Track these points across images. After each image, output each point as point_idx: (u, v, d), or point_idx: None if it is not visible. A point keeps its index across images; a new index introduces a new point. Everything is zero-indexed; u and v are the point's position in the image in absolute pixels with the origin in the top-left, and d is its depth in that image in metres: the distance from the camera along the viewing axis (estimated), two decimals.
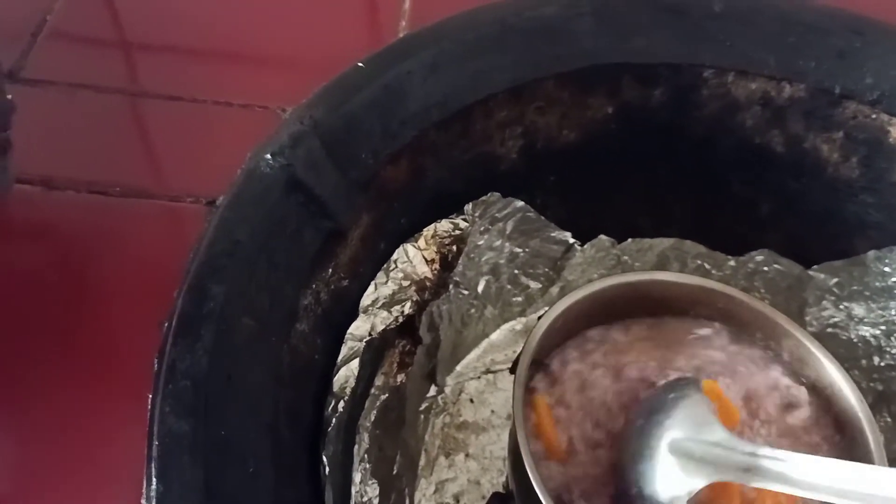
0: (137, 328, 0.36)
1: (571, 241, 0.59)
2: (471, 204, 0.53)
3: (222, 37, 0.73)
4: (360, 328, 0.47)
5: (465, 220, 0.53)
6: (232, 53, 0.71)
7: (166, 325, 0.36)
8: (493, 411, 0.59)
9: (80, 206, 0.57)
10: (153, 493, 0.31)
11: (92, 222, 0.57)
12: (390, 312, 0.49)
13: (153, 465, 0.31)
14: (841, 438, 0.43)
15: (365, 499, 0.44)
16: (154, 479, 0.31)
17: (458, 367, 0.61)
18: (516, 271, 0.60)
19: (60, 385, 0.52)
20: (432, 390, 0.59)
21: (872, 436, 0.41)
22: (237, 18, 0.74)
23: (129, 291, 0.54)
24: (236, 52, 0.71)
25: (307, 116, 0.43)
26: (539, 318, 0.45)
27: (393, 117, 0.45)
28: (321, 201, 0.42)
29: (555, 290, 0.61)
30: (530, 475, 0.38)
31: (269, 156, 0.41)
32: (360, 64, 0.46)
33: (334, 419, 0.44)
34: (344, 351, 0.46)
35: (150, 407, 0.33)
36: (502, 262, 0.59)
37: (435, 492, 0.55)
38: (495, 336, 0.62)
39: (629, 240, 0.59)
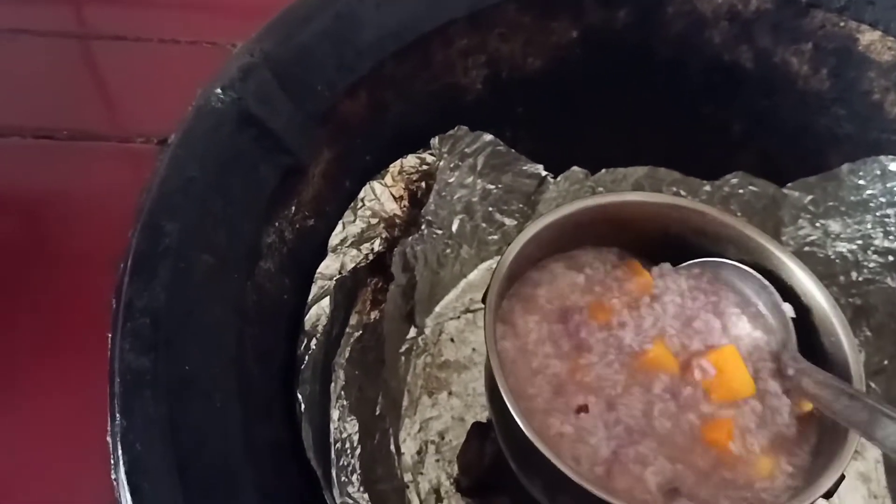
0: (94, 270, 0.35)
1: (544, 173, 0.58)
2: (437, 138, 0.51)
3: None
4: (329, 267, 0.46)
5: (432, 154, 0.51)
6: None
7: (122, 265, 0.35)
8: (474, 349, 0.59)
9: (27, 151, 0.56)
10: (117, 429, 0.30)
11: (40, 168, 0.56)
12: (360, 250, 0.48)
13: (115, 401, 0.31)
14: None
15: (344, 435, 0.44)
16: (118, 416, 0.30)
17: (437, 308, 0.60)
18: (490, 208, 0.59)
19: (27, 336, 0.51)
20: (412, 332, 0.58)
21: (848, 343, 0.41)
22: None
23: (84, 233, 0.53)
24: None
25: (257, 49, 0.41)
26: (508, 245, 0.44)
27: (347, 47, 0.44)
28: (276, 135, 0.40)
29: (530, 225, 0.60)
30: (504, 396, 0.38)
31: (218, 90, 0.40)
32: None
33: (307, 357, 0.43)
34: (314, 290, 0.45)
35: (109, 345, 0.32)
36: (475, 199, 0.58)
37: (419, 430, 0.55)
38: (473, 276, 0.62)
39: (603, 170, 0.59)
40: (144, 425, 0.31)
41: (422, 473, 0.53)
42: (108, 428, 0.31)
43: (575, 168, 0.58)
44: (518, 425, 0.38)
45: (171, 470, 0.30)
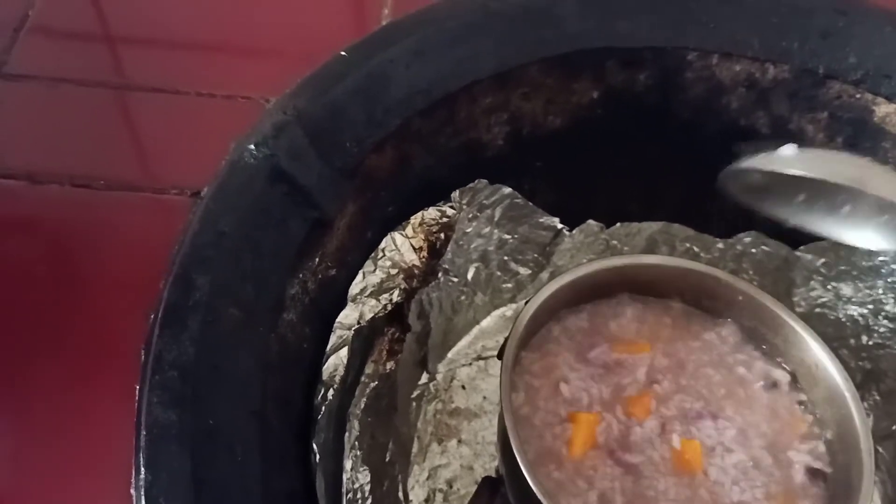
0: (125, 320, 0.36)
1: (560, 226, 0.59)
2: (458, 191, 0.53)
3: (205, 29, 0.73)
4: (348, 316, 0.47)
5: (452, 207, 0.53)
6: (215, 45, 0.71)
7: (152, 316, 0.36)
8: (484, 397, 0.59)
9: (65, 199, 0.57)
10: (142, 483, 0.31)
11: (77, 216, 0.57)
12: (379, 300, 0.49)
13: (141, 455, 0.31)
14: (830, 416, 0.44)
15: (356, 485, 0.45)
16: (142, 469, 0.31)
17: (450, 355, 0.61)
18: (506, 258, 0.60)
19: (51, 378, 0.52)
20: (424, 377, 0.59)
21: (857, 412, 0.41)
22: (220, 9, 0.74)
23: (116, 283, 0.54)
24: (219, 43, 0.71)
25: (290, 106, 0.43)
26: (526, 302, 0.45)
27: (377, 105, 0.45)
28: (306, 191, 0.42)
29: (545, 275, 0.61)
30: (518, 458, 0.38)
31: (252, 146, 0.41)
32: (343, 53, 0.46)
33: (324, 407, 0.44)
34: (333, 339, 0.46)
35: (137, 397, 0.33)
36: (491, 248, 0.59)
37: (428, 478, 0.55)
38: (486, 323, 0.63)
39: (617, 224, 0.60)
40: (169, 480, 0.31)
41: None
42: (133, 481, 0.32)
43: (590, 221, 0.59)
44: (530, 486, 0.38)
45: None
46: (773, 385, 0.45)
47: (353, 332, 0.47)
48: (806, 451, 0.44)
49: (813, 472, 0.43)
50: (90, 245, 0.56)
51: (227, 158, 0.40)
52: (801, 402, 0.45)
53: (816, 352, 0.44)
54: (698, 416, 0.45)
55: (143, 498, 0.31)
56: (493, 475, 0.51)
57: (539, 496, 0.38)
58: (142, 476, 0.31)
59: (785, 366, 0.46)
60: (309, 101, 0.43)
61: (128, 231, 0.57)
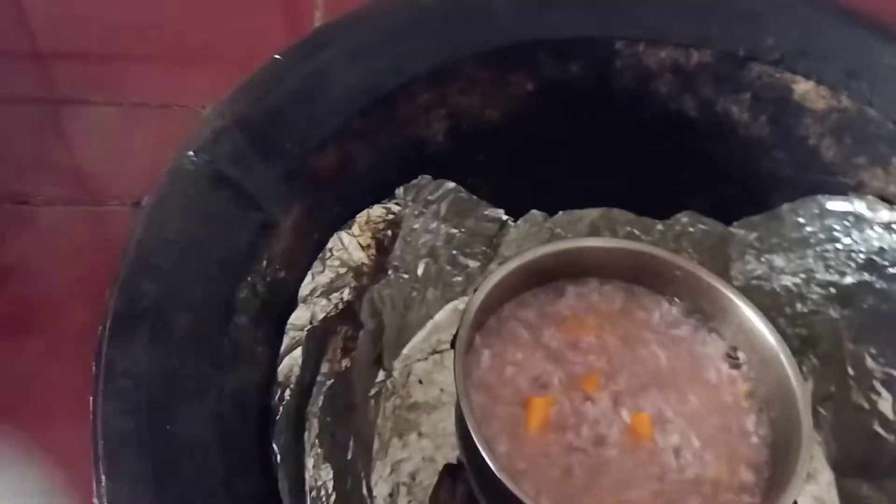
0: (73, 334, 0.35)
1: (505, 217, 0.60)
2: (402, 188, 0.53)
3: (135, 41, 0.72)
4: (300, 317, 0.48)
5: (397, 204, 0.53)
6: (146, 56, 0.70)
7: (100, 327, 0.35)
8: (442, 389, 0.60)
9: (4, 217, 0.56)
10: (103, 491, 0.31)
11: (16, 232, 0.56)
12: (329, 300, 0.49)
13: (100, 464, 0.31)
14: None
15: (319, 482, 0.45)
16: (103, 478, 0.31)
17: (405, 350, 0.62)
18: (454, 252, 0.61)
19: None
20: (381, 375, 0.60)
21: (793, 374, 0.44)
22: (149, 21, 0.73)
23: (62, 298, 0.53)
24: (150, 54, 0.70)
25: (228, 111, 0.43)
26: (474, 291, 0.46)
27: (316, 107, 0.46)
28: (249, 194, 0.42)
29: (493, 267, 0.62)
30: (476, 441, 0.39)
31: (192, 153, 0.41)
32: (278, 56, 0.46)
33: (281, 408, 0.44)
34: (286, 341, 0.46)
35: (91, 408, 0.33)
36: (439, 243, 0.60)
37: (391, 472, 0.56)
38: (439, 317, 0.63)
39: (560, 212, 0.61)
40: (131, 486, 0.31)
41: None
42: (94, 490, 0.32)
43: (534, 211, 0.61)
44: (491, 469, 0.39)
45: None
46: (714, 355, 0.47)
47: (305, 332, 0.47)
48: (748, 415, 0.46)
49: (755, 435, 0.45)
50: (32, 261, 0.55)
51: (167, 166, 0.40)
52: (740, 369, 0.47)
53: (752, 320, 0.46)
54: (645, 390, 0.46)
55: None
56: (454, 463, 0.52)
57: (500, 477, 0.39)
58: (103, 485, 0.31)
59: (724, 335, 0.48)
60: (247, 106, 0.44)
61: (70, 245, 0.56)
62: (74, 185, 0.59)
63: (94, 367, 0.34)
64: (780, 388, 0.45)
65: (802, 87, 0.53)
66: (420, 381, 0.61)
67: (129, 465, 0.32)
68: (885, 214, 0.52)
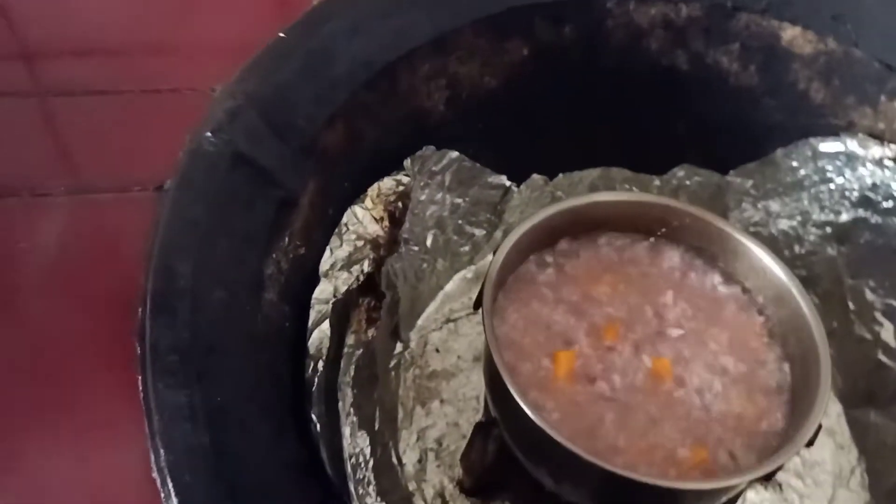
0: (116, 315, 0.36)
1: (508, 183, 0.61)
2: (409, 159, 0.54)
3: (138, 33, 0.72)
4: (324, 291, 0.48)
5: (406, 175, 0.54)
6: (151, 47, 0.70)
7: (140, 308, 0.36)
8: (459, 356, 0.61)
9: (27, 210, 0.56)
10: (163, 463, 0.31)
11: (42, 224, 0.56)
12: (350, 273, 0.50)
13: (157, 438, 0.32)
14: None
15: (357, 450, 0.46)
16: (161, 450, 0.32)
17: (420, 322, 0.63)
18: (460, 221, 0.62)
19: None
20: (398, 347, 0.61)
21: (805, 305, 0.45)
22: (148, 14, 0.73)
23: (91, 280, 0.53)
24: (155, 44, 0.70)
25: (239, 91, 0.43)
26: (494, 253, 0.47)
27: (323, 81, 0.46)
28: (268, 171, 0.42)
29: (498, 234, 0.64)
30: (512, 391, 0.40)
31: (209, 133, 0.41)
32: (282, 34, 0.47)
33: (316, 379, 0.45)
34: (313, 315, 0.47)
35: (141, 386, 0.34)
36: (445, 214, 0.61)
37: (417, 440, 0.57)
38: (449, 287, 0.65)
39: (560, 175, 0.62)
40: (189, 456, 0.32)
41: (425, 480, 0.55)
42: (153, 464, 0.32)
43: (535, 175, 0.62)
44: (526, 414, 0.40)
45: (222, 494, 0.31)
46: (728, 296, 0.49)
47: (330, 306, 0.48)
48: (767, 351, 0.48)
49: (776, 369, 0.47)
50: (58, 252, 0.55)
51: (185, 149, 0.41)
52: (754, 306, 0.49)
53: (763, 258, 0.48)
54: (664, 336, 0.48)
55: (168, 477, 0.31)
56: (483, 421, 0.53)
57: (539, 425, 0.40)
58: (162, 457, 0.31)
59: (736, 276, 0.50)
60: (257, 85, 0.44)
61: (95, 232, 0.56)
62: (95, 175, 0.59)
63: (138, 347, 0.35)
64: (795, 321, 0.46)
65: (789, 34, 0.55)
66: (437, 350, 0.62)
67: (185, 437, 0.32)
68: (876, 151, 0.54)
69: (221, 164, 0.41)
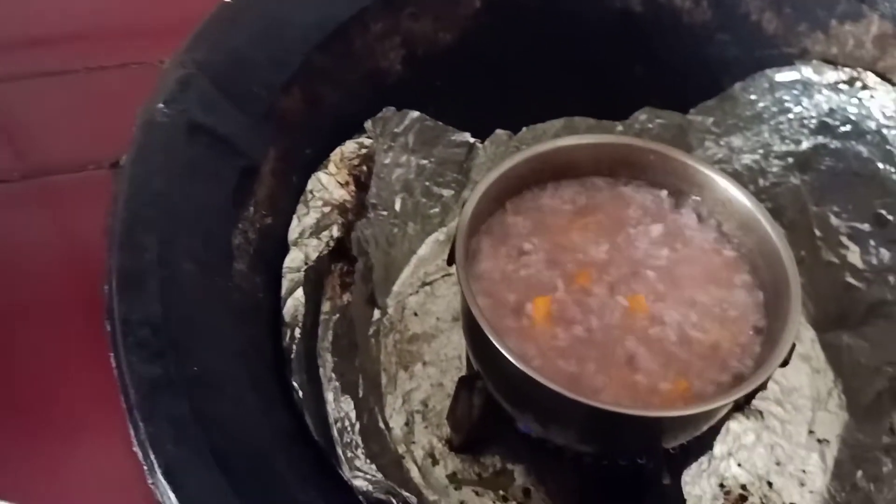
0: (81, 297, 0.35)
1: (472, 140, 0.61)
2: (370, 121, 0.54)
3: (78, 17, 0.70)
4: (294, 260, 0.48)
5: (369, 137, 0.54)
6: (95, 27, 0.68)
7: (106, 286, 0.35)
8: (438, 318, 0.61)
9: None
10: (143, 436, 0.31)
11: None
12: (320, 239, 0.50)
13: (135, 411, 0.31)
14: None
15: (342, 414, 0.46)
16: (141, 424, 0.31)
17: (395, 287, 0.63)
18: (427, 183, 0.62)
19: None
20: (376, 314, 0.60)
21: (772, 230, 0.46)
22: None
23: (64, 264, 0.52)
24: (99, 24, 0.68)
25: (189, 60, 0.42)
26: (462, 206, 0.47)
27: (276, 46, 0.45)
28: (227, 140, 0.42)
29: (467, 193, 0.63)
30: (492, 340, 0.40)
31: (161, 105, 0.40)
32: (228, 0, 0.46)
33: (294, 347, 0.45)
34: (286, 284, 0.47)
35: (114, 363, 0.33)
36: (412, 176, 0.61)
37: (403, 403, 0.57)
38: (422, 251, 0.64)
39: (524, 129, 0.62)
40: (172, 426, 0.31)
41: (414, 442, 0.55)
42: (134, 439, 0.32)
43: (498, 131, 0.62)
44: (508, 362, 0.41)
45: (209, 461, 0.31)
46: (695, 228, 0.50)
47: (302, 273, 0.47)
48: (739, 280, 0.48)
49: (749, 297, 0.47)
50: (21, 238, 0.54)
51: (138, 122, 0.40)
52: (723, 237, 0.50)
53: (728, 189, 0.49)
54: (637, 274, 0.48)
55: (150, 450, 0.31)
56: (467, 375, 0.54)
57: (523, 370, 0.40)
58: (142, 430, 0.31)
59: (703, 209, 0.50)
60: (207, 52, 0.43)
61: (55, 214, 0.55)
62: (49, 157, 0.57)
63: (108, 324, 0.34)
64: (763, 247, 0.47)
65: None
66: (415, 314, 0.62)
67: (165, 408, 0.32)
68: (831, 75, 0.55)
69: (177, 135, 0.40)
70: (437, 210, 0.64)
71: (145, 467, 0.31)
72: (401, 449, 0.55)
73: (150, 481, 0.31)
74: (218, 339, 0.36)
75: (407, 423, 0.56)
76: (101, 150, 0.55)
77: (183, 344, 0.34)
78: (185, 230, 0.38)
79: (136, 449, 0.31)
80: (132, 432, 0.32)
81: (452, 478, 0.54)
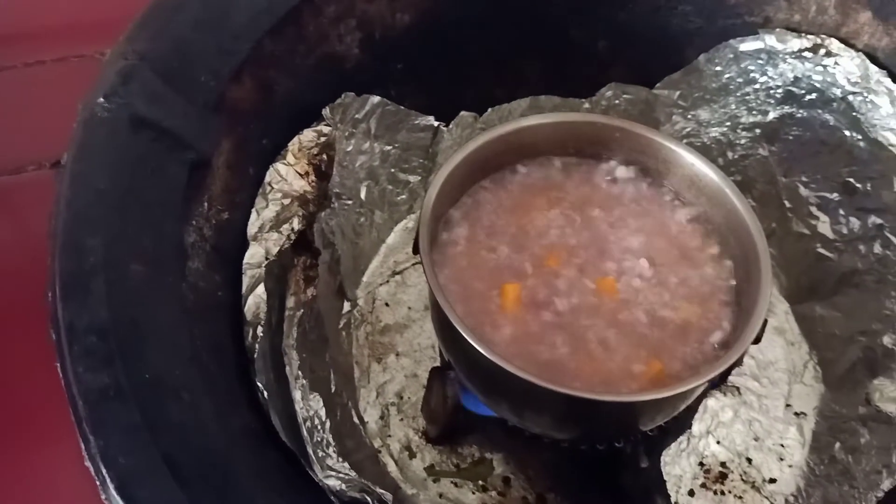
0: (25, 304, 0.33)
1: (436, 124, 0.59)
2: (328, 108, 0.52)
3: (9, 11, 0.66)
4: (254, 255, 0.46)
5: (327, 125, 0.52)
6: (32, 22, 0.64)
7: (49, 292, 0.33)
8: (409, 308, 0.60)
9: None
10: (94, 450, 0.29)
11: None
12: (280, 233, 0.48)
13: (84, 424, 0.30)
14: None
15: (311, 412, 0.44)
16: (90, 437, 0.30)
17: (365, 278, 0.61)
18: (393, 169, 0.60)
19: None
20: (346, 306, 0.59)
21: (741, 204, 0.45)
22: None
23: (3, 274, 0.50)
24: (36, 20, 0.65)
25: (130, 50, 0.40)
26: (425, 192, 0.46)
27: (223, 32, 0.43)
28: (173, 132, 0.40)
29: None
30: (460, 329, 0.39)
31: (101, 99, 0.38)
32: None
33: (257, 346, 0.43)
34: (246, 281, 0.45)
35: (61, 373, 0.31)
36: (376, 163, 0.59)
37: (377, 396, 0.56)
38: (391, 239, 0.63)
39: (489, 110, 0.61)
40: (123, 438, 0.30)
41: (390, 436, 0.54)
42: (84, 453, 0.30)
43: (463, 113, 0.60)
44: (478, 352, 0.39)
45: (162, 471, 0.29)
46: (663, 204, 0.49)
47: (264, 269, 0.46)
48: (708, 255, 0.47)
49: (719, 273, 0.47)
50: None
51: (79, 118, 0.38)
52: (692, 212, 0.49)
53: (695, 164, 0.48)
54: (606, 254, 0.47)
55: (101, 464, 0.29)
56: (439, 366, 0.52)
57: (492, 359, 0.39)
58: (92, 444, 0.29)
59: (670, 184, 0.49)
60: (149, 41, 0.41)
61: None
62: None
63: (52, 333, 0.32)
64: (732, 221, 0.46)
65: None
66: (386, 304, 0.60)
67: (115, 419, 0.30)
68: (794, 43, 0.54)
69: (120, 129, 0.38)
70: (404, 197, 0.63)
71: (98, 482, 0.29)
72: (377, 443, 0.54)
73: (103, 496, 0.29)
74: (171, 343, 0.34)
75: (382, 417, 0.55)
76: (41, 149, 0.52)
77: (132, 350, 0.32)
78: (132, 230, 0.36)
79: (87, 463, 0.30)
80: (82, 446, 0.30)
81: (430, 470, 0.53)
